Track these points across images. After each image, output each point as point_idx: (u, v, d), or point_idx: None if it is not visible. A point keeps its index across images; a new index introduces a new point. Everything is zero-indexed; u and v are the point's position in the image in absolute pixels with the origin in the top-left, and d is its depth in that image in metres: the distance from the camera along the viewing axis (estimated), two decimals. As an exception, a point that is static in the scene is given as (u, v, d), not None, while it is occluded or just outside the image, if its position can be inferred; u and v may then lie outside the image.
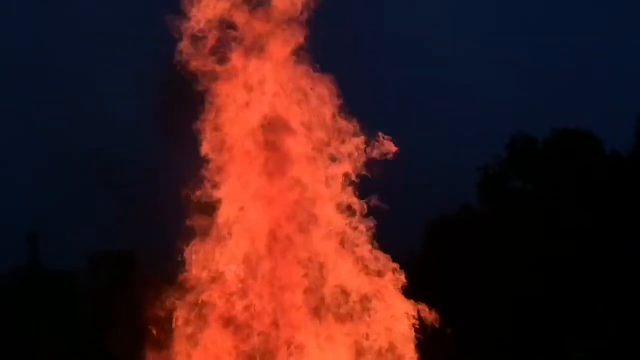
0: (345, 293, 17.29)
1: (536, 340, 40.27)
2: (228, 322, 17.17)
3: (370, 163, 17.56)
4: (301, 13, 17.55)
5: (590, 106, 58.71)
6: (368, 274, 17.39)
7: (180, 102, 17.39)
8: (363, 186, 17.57)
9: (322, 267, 17.26)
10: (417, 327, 17.41)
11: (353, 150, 17.55)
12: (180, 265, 17.33)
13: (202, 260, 17.25)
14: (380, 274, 17.41)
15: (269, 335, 17.02)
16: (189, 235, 17.37)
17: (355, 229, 17.44)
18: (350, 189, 17.54)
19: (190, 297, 17.21)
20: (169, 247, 17.39)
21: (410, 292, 17.58)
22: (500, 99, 61.33)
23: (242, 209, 17.25)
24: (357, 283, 17.29)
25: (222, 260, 17.18)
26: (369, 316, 17.36)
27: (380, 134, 17.53)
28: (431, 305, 17.53)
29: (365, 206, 17.43)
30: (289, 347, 16.88)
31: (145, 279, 18.63)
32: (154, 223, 18.87)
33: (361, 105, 17.56)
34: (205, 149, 17.44)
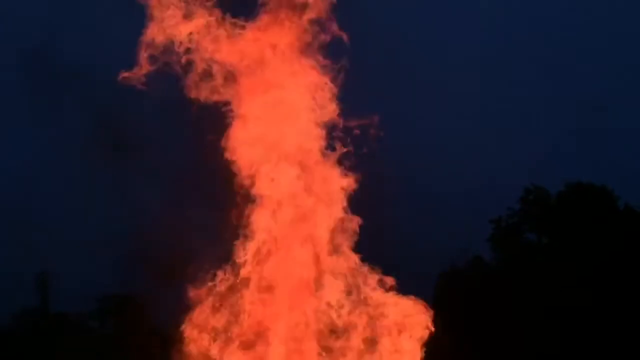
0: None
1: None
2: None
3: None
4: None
5: (604, 160, 58.59)
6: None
7: None
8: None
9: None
10: None
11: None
12: (188, 311, 16.98)
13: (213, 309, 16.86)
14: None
15: None
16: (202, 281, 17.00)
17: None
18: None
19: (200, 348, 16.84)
20: (177, 293, 17.11)
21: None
22: (513, 150, 61.25)
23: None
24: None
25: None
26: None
27: None
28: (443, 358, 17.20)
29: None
30: None
31: (151, 325, 18.43)
32: (164, 268, 18.63)
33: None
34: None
